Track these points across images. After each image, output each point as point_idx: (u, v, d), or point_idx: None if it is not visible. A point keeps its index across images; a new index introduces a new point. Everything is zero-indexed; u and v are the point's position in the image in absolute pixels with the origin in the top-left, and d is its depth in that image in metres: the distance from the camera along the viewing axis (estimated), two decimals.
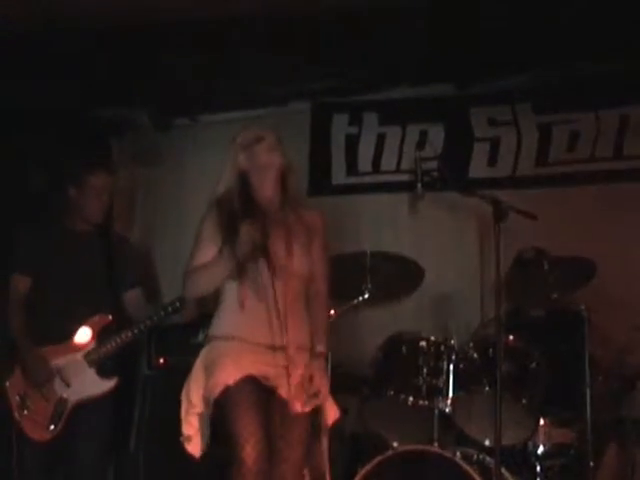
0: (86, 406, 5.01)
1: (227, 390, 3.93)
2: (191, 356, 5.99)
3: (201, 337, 6.05)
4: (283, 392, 4.02)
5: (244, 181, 4.19)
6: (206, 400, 4.02)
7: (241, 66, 5.95)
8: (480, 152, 6.29)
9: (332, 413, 4.18)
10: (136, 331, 5.14)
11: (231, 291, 4.12)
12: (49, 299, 5.06)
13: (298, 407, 3.99)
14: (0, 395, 4.94)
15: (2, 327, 5.05)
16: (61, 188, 5.16)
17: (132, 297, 5.28)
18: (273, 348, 4.02)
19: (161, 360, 6.08)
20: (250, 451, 3.85)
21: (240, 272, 4.05)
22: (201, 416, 4.08)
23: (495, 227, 4.55)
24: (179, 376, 6.04)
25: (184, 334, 6.06)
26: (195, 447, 4.12)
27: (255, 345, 4.02)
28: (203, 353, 4.19)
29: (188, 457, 5.82)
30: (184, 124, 7.12)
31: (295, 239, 4.13)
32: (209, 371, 4.05)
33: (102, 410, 5.09)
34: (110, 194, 5.24)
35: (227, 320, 4.15)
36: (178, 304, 5.15)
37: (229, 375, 3.95)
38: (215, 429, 4.04)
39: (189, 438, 4.10)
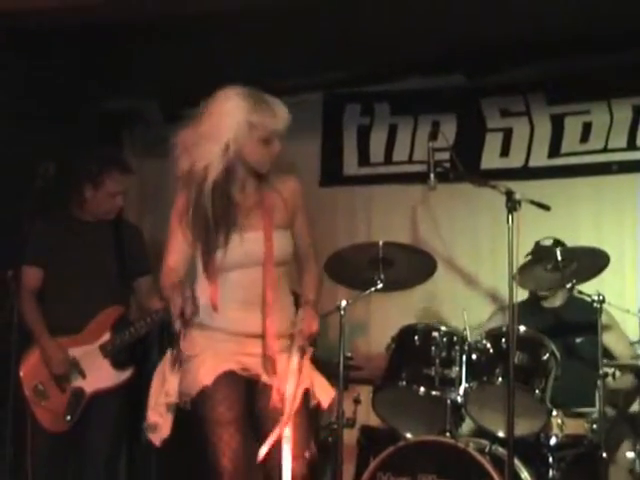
0: (101, 397, 5.01)
1: (204, 391, 3.79)
2: None
3: None
4: (266, 379, 3.89)
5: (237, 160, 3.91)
6: (181, 394, 3.86)
7: (252, 56, 5.93)
8: (492, 143, 6.28)
9: (325, 395, 4.07)
10: (149, 321, 5.10)
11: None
12: (62, 290, 5.05)
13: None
14: (14, 385, 4.93)
15: (15, 318, 5.02)
16: (72, 181, 5.14)
17: (144, 284, 5.26)
18: (252, 336, 3.88)
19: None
20: (227, 463, 3.75)
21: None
22: (170, 406, 3.93)
23: (508, 218, 4.54)
24: None
25: None
26: (158, 437, 3.96)
27: (233, 335, 3.88)
28: (180, 343, 3.96)
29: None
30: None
31: (275, 223, 3.95)
32: (187, 365, 3.88)
33: (116, 401, 5.08)
34: (125, 195, 5.21)
35: (203, 307, 3.85)
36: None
37: (206, 373, 3.81)
38: (189, 425, 3.90)
39: (155, 427, 3.94)
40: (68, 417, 4.93)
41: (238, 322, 3.88)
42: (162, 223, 7.04)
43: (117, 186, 5.09)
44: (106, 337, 5.04)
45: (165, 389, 3.91)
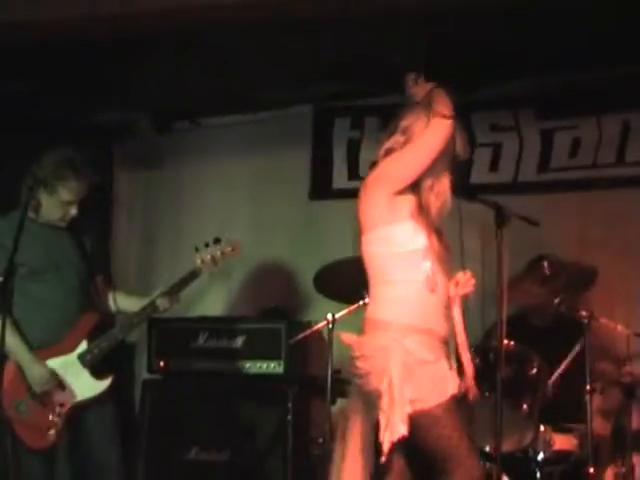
0: (88, 408, 4.85)
1: (443, 403, 3.68)
2: (192, 360, 6.06)
3: (201, 341, 6.07)
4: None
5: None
6: (413, 404, 3.65)
7: (242, 70, 5.94)
8: (482, 157, 6.28)
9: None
10: (127, 327, 4.99)
11: (420, 272, 3.78)
12: (32, 297, 4.84)
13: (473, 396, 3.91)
14: None
15: None
16: (28, 184, 4.78)
17: (98, 284, 5.10)
18: (445, 341, 3.84)
19: (161, 364, 6.08)
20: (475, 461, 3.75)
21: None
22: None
23: (497, 233, 4.54)
24: (179, 380, 6.11)
25: (184, 338, 6.08)
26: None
27: (442, 340, 3.80)
28: (396, 348, 3.68)
29: (190, 462, 5.88)
30: (184, 127, 7.12)
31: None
32: (418, 373, 3.68)
33: (105, 410, 4.92)
34: (79, 204, 4.90)
35: (417, 307, 3.76)
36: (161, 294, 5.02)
37: (446, 387, 3.71)
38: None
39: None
40: (51, 432, 4.76)
41: (440, 325, 3.84)
42: (151, 234, 7.13)
43: (72, 195, 4.84)
44: (84, 346, 4.86)
45: (404, 398, 3.67)
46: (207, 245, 5.04)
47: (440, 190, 3.87)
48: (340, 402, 5.59)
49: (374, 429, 3.76)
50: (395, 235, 3.78)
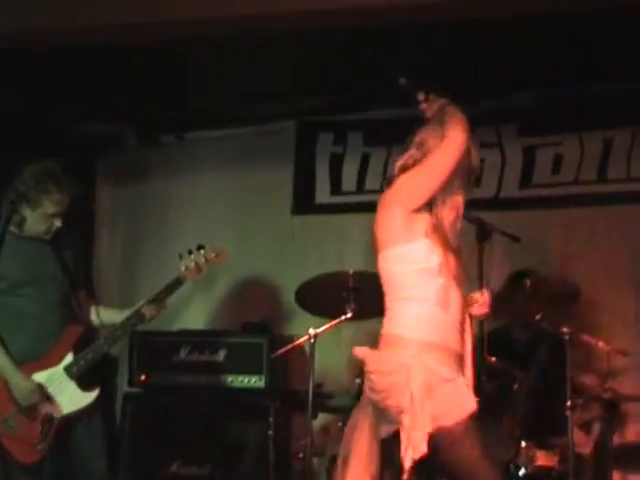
0: (76, 420, 4.81)
1: (463, 421, 3.66)
2: (173, 373, 6.04)
3: (183, 354, 6.06)
4: None
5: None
6: (434, 421, 3.64)
7: (226, 84, 5.95)
8: None
9: None
10: (111, 338, 4.93)
11: (434, 289, 3.76)
12: (13, 311, 4.81)
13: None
14: None
15: None
16: (9, 198, 4.71)
17: (81, 298, 5.05)
18: (461, 357, 3.81)
19: (142, 377, 6.06)
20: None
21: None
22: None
23: (479, 248, 4.55)
24: (160, 394, 6.09)
25: (166, 352, 6.06)
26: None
27: (458, 356, 3.78)
28: (417, 366, 3.66)
29: (172, 476, 5.86)
30: (170, 142, 7.12)
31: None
32: (439, 391, 3.66)
33: (93, 422, 4.86)
34: (63, 217, 4.87)
35: (432, 324, 3.74)
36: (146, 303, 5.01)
37: (465, 404, 3.69)
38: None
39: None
40: (39, 446, 4.71)
41: (455, 341, 3.80)
42: (134, 250, 7.12)
43: (56, 208, 4.81)
44: (69, 358, 4.83)
45: (425, 415, 3.64)
46: (190, 252, 5.03)
47: (454, 205, 3.85)
48: (321, 417, 5.61)
49: (383, 443, 3.77)
50: (411, 253, 3.77)
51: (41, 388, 4.78)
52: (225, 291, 6.71)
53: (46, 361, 4.82)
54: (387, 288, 3.90)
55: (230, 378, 5.95)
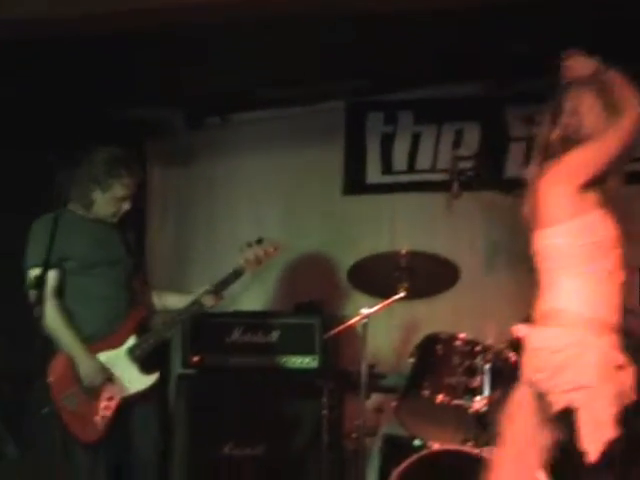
0: (134, 402, 4.90)
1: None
2: (226, 355, 6.07)
3: (236, 335, 6.09)
4: None
5: None
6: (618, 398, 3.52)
7: (275, 65, 5.95)
8: (516, 151, 6.25)
9: None
10: (174, 322, 5.10)
11: (605, 264, 3.63)
12: (82, 291, 4.94)
13: None
14: (40, 392, 4.86)
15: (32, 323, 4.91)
16: (78, 183, 4.96)
17: (138, 281, 5.19)
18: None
19: (196, 358, 6.09)
20: None
21: None
22: None
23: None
24: (214, 375, 6.12)
25: (219, 333, 6.08)
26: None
27: (622, 333, 3.64)
28: (591, 345, 3.53)
29: (225, 457, 5.89)
30: (216, 123, 7.13)
31: None
32: (613, 374, 3.53)
33: (149, 405, 4.97)
34: (132, 200, 5.06)
35: (601, 300, 3.60)
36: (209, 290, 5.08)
37: (629, 394, 3.58)
38: None
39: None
40: (100, 425, 4.80)
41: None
42: (184, 232, 7.15)
43: (126, 191, 4.98)
44: (132, 340, 4.94)
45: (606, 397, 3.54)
46: (250, 245, 5.13)
47: (621, 177, 3.73)
48: (374, 397, 5.61)
49: (544, 425, 3.67)
50: (580, 228, 3.64)
51: (105, 368, 4.87)
52: (277, 272, 6.71)
53: (110, 342, 4.92)
54: (551, 264, 3.71)
55: (283, 359, 5.96)
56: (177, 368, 6.38)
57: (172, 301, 5.22)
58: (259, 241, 5.16)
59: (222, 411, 5.97)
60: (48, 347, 4.84)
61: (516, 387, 3.80)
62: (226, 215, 7.02)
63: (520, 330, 3.75)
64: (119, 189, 4.96)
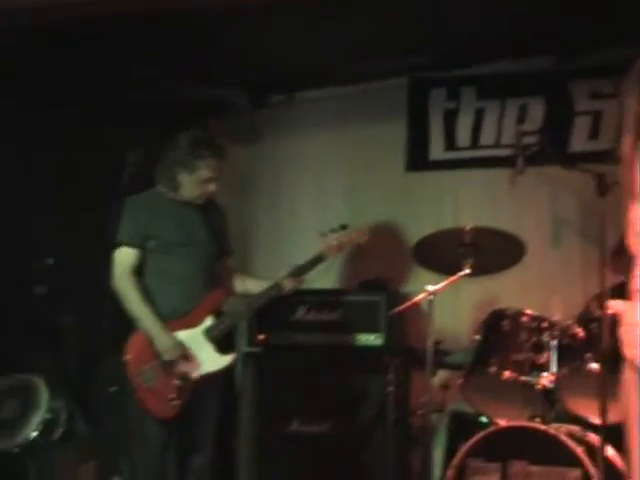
0: (203, 383, 4.96)
1: None
2: (292, 333, 6.09)
3: (301, 314, 6.10)
4: None
5: None
6: None
7: (337, 42, 5.93)
8: (581, 125, 6.19)
9: None
10: (252, 306, 5.19)
11: None
12: (163, 270, 5.01)
13: None
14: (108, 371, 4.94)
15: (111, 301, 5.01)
16: (164, 165, 5.08)
17: (223, 265, 5.28)
18: None
19: (261, 337, 6.12)
20: None
21: None
22: None
23: (599, 202, 4.47)
24: (279, 353, 6.15)
25: (284, 311, 6.10)
26: None
27: None
28: None
29: (292, 434, 5.93)
30: (280, 101, 7.14)
31: None
32: None
33: (217, 386, 5.06)
34: (217, 181, 5.11)
35: None
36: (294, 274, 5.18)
37: None
38: None
39: None
40: (175, 402, 4.86)
41: None
42: (248, 210, 7.18)
43: (211, 172, 5.03)
44: (210, 321, 5.00)
45: None
46: (334, 231, 5.16)
47: None
48: (440, 374, 5.61)
49: None
50: None
51: (182, 344, 4.93)
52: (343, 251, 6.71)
53: (188, 321, 4.99)
54: None
55: (349, 336, 5.97)
56: (243, 346, 6.42)
57: (252, 285, 5.29)
58: (343, 227, 5.21)
59: (288, 389, 5.99)
60: (117, 328, 4.94)
61: (622, 367, 3.72)
62: (289, 194, 7.04)
63: (616, 305, 3.70)
64: (204, 170, 5.01)
